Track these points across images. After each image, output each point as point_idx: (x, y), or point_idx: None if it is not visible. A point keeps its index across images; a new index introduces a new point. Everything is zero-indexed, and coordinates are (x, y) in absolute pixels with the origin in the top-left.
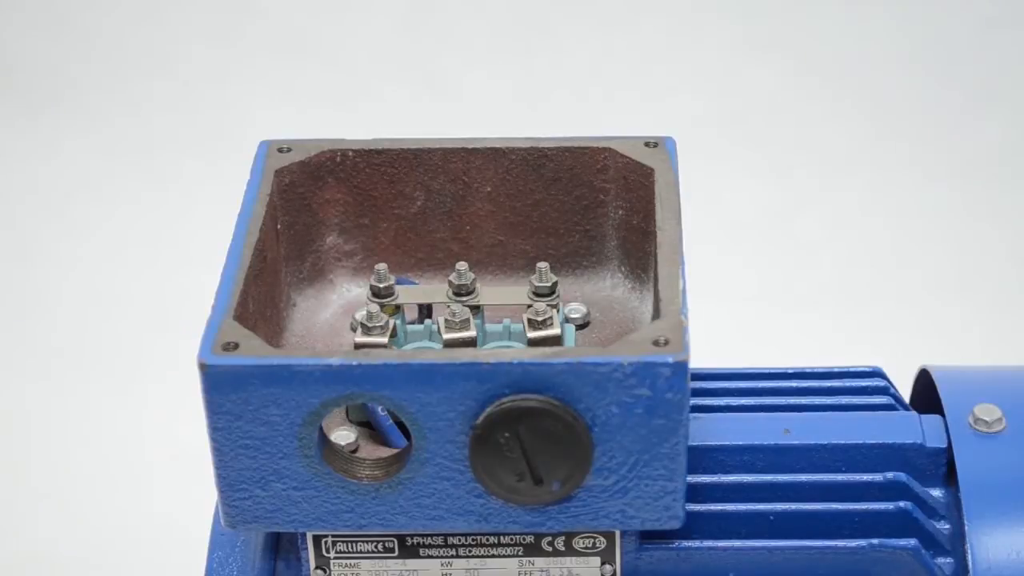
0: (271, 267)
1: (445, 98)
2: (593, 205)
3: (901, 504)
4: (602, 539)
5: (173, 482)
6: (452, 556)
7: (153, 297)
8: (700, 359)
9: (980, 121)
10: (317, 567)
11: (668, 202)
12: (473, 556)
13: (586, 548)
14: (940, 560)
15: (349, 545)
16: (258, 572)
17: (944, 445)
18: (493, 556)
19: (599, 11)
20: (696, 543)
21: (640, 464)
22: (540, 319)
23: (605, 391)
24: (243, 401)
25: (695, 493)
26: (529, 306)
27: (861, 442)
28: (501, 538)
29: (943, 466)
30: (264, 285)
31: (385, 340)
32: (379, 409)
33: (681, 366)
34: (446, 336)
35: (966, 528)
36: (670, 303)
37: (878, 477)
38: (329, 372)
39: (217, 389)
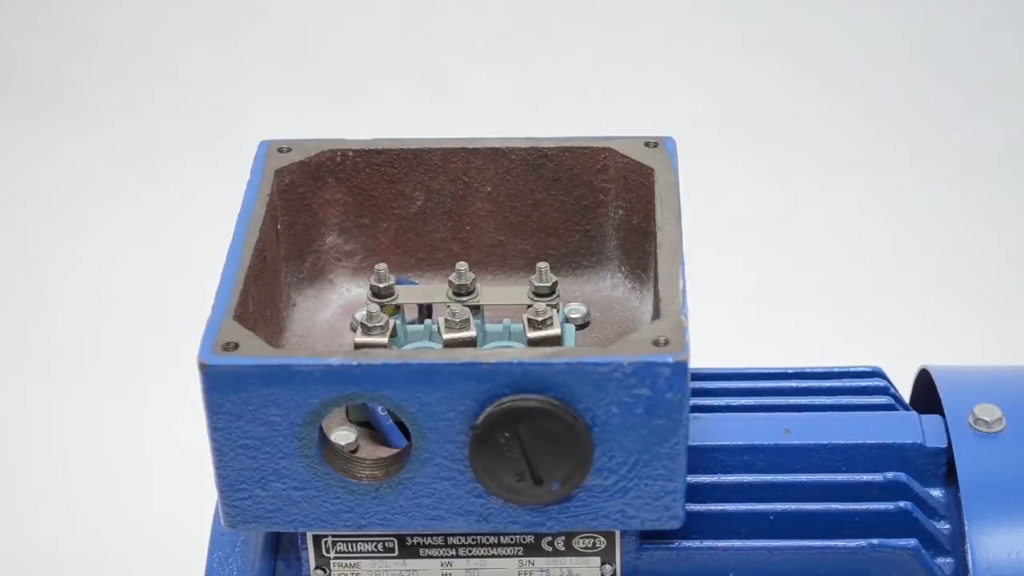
0: (271, 267)
1: (445, 98)
2: (593, 205)
3: (901, 504)
4: (602, 539)
5: (173, 482)
6: (452, 556)
7: (153, 297)
8: (700, 359)
9: (980, 121)
10: (317, 567)
11: (668, 202)
12: (473, 556)
13: (586, 548)
14: (940, 560)
15: (349, 545)
16: (258, 572)
17: (944, 445)
18: (493, 556)
19: (599, 11)
20: (696, 543)
21: (640, 464)
22: (540, 319)
23: (605, 391)
24: (243, 401)
25: (695, 493)
26: (529, 306)
27: (861, 442)
28: (501, 538)
29: (943, 466)
30: (264, 285)
31: (385, 340)
32: (379, 409)
33: (681, 366)
34: (446, 336)
35: (966, 528)
36: (670, 303)
37: (878, 477)
38: (329, 372)
39: (217, 389)
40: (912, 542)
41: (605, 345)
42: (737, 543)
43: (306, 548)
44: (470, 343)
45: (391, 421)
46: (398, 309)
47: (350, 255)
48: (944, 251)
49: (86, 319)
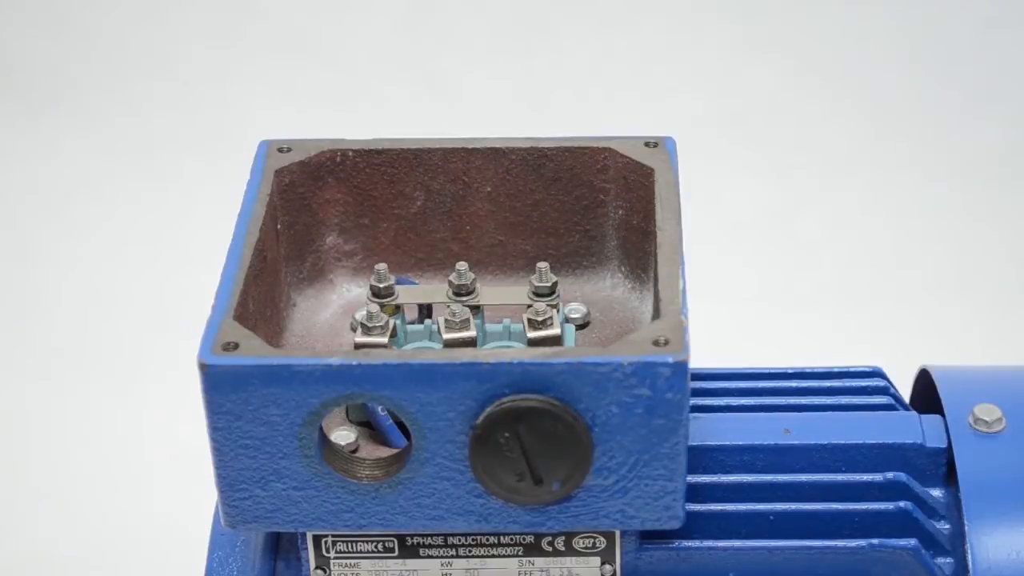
0: (271, 267)
1: (445, 98)
2: (593, 205)
3: (901, 504)
4: (602, 539)
5: (173, 482)
6: (452, 556)
7: (153, 297)
8: (700, 359)
9: (980, 121)
10: (317, 567)
11: (668, 202)
12: (473, 556)
13: (586, 548)
14: (940, 560)
15: (349, 545)
16: (258, 572)
17: (944, 445)
18: (493, 556)
19: (599, 11)
20: (696, 543)
21: (640, 464)
22: (540, 319)
23: (605, 391)
24: (243, 401)
25: (695, 493)
26: (529, 306)
27: (861, 442)
28: (501, 538)
29: (943, 466)
30: (264, 285)
31: (385, 340)
32: (379, 409)
33: (681, 366)
34: (446, 336)
35: (966, 528)
36: (670, 303)
37: (878, 477)
38: (329, 372)
39: (217, 389)
40: (912, 542)
41: (605, 345)
42: (737, 543)
43: (306, 548)
44: (470, 343)
45: (391, 421)
46: (398, 309)
47: (350, 255)
48: (944, 251)
49: (86, 319)
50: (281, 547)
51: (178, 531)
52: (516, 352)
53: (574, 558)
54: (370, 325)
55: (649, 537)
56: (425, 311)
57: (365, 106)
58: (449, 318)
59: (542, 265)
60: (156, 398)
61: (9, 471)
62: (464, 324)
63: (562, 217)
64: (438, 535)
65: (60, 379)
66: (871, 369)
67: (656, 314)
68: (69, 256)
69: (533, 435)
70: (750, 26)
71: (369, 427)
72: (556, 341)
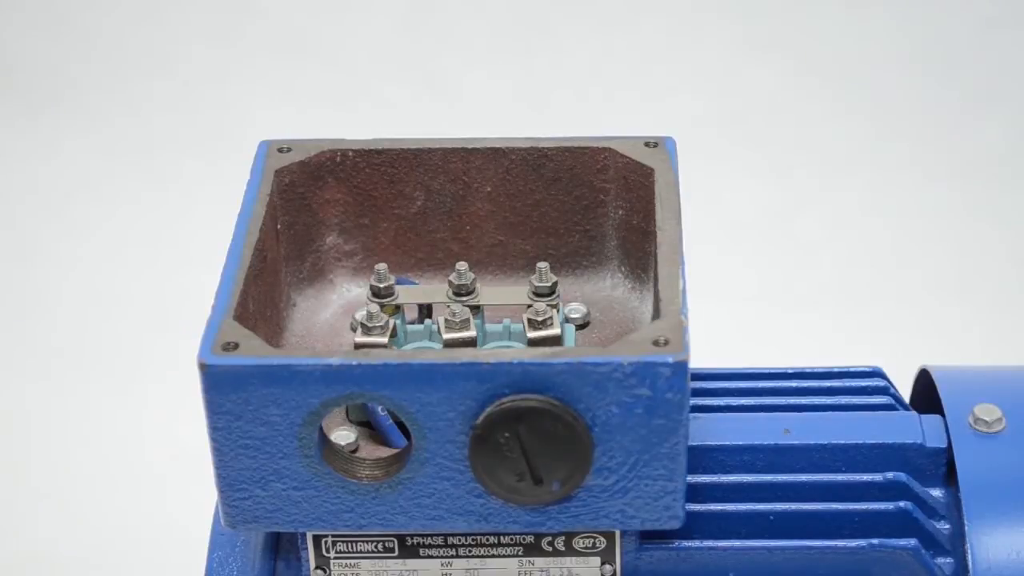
0: (271, 267)
1: (445, 98)
2: (593, 205)
3: (901, 504)
4: (602, 539)
5: (173, 482)
6: (452, 556)
7: (153, 297)
8: (700, 359)
9: (980, 121)
10: (317, 567)
11: (668, 202)
12: (473, 556)
13: (586, 548)
14: (940, 560)
15: (349, 545)
16: (258, 572)
17: (944, 445)
18: (493, 556)
19: (599, 11)
20: (696, 543)
21: (640, 464)
22: (540, 319)
23: (605, 391)
24: (243, 401)
25: (695, 493)
26: (529, 306)
27: (861, 442)
28: (501, 538)
29: (943, 466)
30: (264, 285)
31: (385, 340)
32: (379, 409)
33: (681, 366)
34: (446, 336)
35: (966, 528)
36: (670, 303)
37: (878, 477)
38: (329, 372)
39: (217, 389)
40: (912, 542)
41: (605, 345)
42: (737, 543)
43: (306, 548)
44: (470, 343)
45: (391, 421)
46: (398, 309)
47: (350, 255)
48: (944, 251)
49: (86, 319)
50: (281, 547)
51: (178, 531)
52: (516, 352)
53: (574, 558)
54: (370, 325)
55: (649, 537)
56: (425, 311)
57: (365, 106)
58: (449, 318)
59: (542, 265)
60: (156, 398)
61: (9, 471)
62: (464, 324)
63: (562, 217)
64: (438, 535)
65: (60, 379)
66: (871, 369)
67: (656, 314)
68: (69, 256)
69: (533, 435)
70: (750, 26)
71: (369, 427)
72: (556, 341)
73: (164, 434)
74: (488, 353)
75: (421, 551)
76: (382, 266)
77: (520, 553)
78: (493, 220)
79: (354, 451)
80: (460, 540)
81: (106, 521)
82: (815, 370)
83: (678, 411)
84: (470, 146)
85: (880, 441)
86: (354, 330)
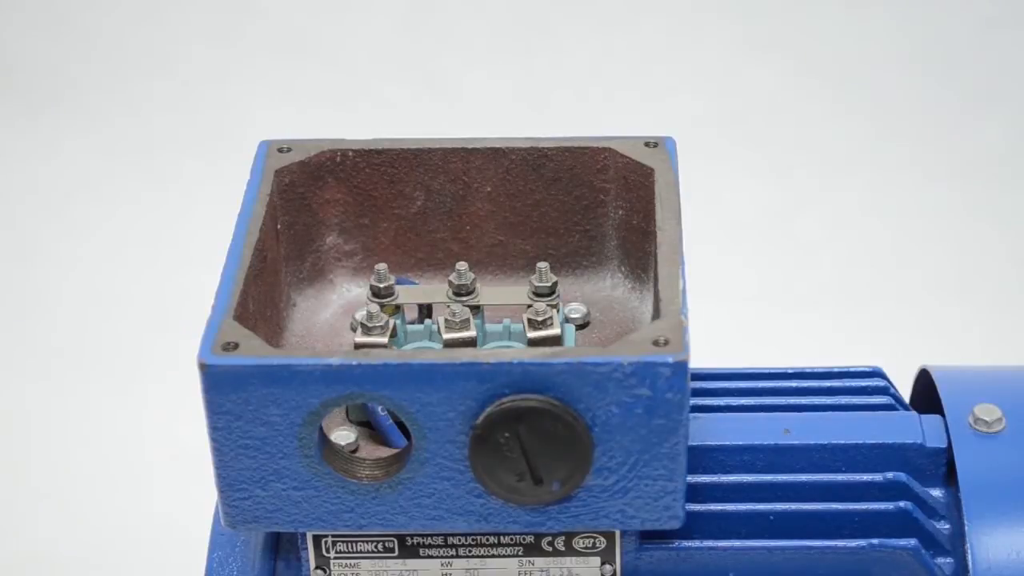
0: (271, 267)
1: (445, 98)
2: (593, 205)
3: (901, 504)
4: (602, 539)
5: (173, 482)
6: (452, 556)
7: (153, 297)
8: (700, 359)
9: (980, 121)
10: (317, 567)
11: (668, 202)
12: (473, 556)
13: (586, 548)
14: (940, 560)
15: (349, 545)
16: (258, 572)
17: (944, 445)
18: (493, 556)
19: (599, 11)
20: (696, 543)
21: (640, 464)
22: (540, 319)
23: (605, 391)
24: (243, 401)
25: (695, 493)
26: (529, 306)
27: (861, 442)
28: (501, 538)
29: (943, 466)
30: (264, 285)
31: (385, 340)
32: (379, 409)
33: (681, 366)
34: (446, 336)
35: (966, 528)
36: (670, 303)
37: (878, 477)
38: (329, 372)
39: (217, 389)
40: (912, 542)
41: (605, 345)
42: (737, 543)
43: (306, 548)
44: (470, 343)
45: (391, 421)
46: (398, 309)
47: (350, 255)
48: (944, 251)
49: (86, 319)
50: (281, 547)
51: (178, 531)
52: (516, 352)
53: (574, 558)
54: (370, 325)
55: (649, 537)
56: (425, 311)
57: (365, 106)
58: (449, 318)
59: (542, 265)
60: (156, 398)
61: (9, 471)
62: (464, 324)
63: (562, 217)
64: (438, 535)
65: (60, 379)
66: (871, 369)
67: (656, 314)
68: (69, 256)
69: (533, 435)
70: (750, 26)
71: (369, 427)
72: (556, 341)
73: (164, 434)
74: (488, 353)
75: (421, 551)
76: (382, 266)
77: (520, 553)
78: (493, 220)
79: (354, 451)
80: (460, 540)
81: (106, 521)
82: (815, 370)
83: (678, 411)
84: (470, 146)
85: (880, 441)
86: (354, 330)
